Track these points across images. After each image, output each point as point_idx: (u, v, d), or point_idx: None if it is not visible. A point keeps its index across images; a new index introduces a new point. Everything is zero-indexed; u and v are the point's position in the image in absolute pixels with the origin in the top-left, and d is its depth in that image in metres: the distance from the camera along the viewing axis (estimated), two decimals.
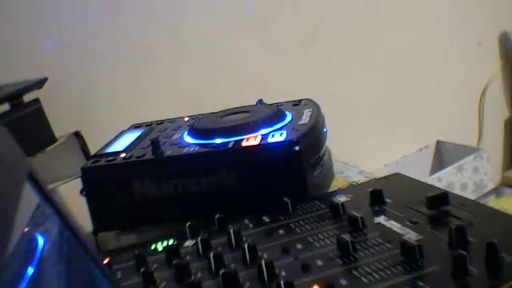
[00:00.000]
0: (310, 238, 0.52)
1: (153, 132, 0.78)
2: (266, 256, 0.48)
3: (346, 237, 0.47)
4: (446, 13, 1.89)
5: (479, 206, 0.55)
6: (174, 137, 0.73)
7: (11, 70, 1.23)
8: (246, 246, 0.50)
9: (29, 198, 0.31)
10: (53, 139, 1.07)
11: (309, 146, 0.65)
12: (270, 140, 0.64)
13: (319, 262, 0.47)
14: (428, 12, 1.84)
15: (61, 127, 1.11)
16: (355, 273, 0.44)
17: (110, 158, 0.68)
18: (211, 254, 0.50)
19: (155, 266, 0.54)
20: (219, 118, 0.74)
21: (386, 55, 1.76)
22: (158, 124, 0.83)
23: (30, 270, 0.27)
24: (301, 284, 0.43)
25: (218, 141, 0.67)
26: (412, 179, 0.63)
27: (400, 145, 1.99)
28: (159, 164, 0.66)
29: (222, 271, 0.46)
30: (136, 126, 0.84)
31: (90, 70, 1.41)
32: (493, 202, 2.06)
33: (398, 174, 0.66)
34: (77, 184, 0.69)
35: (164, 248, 0.57)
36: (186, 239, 0.58)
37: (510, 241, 0.42)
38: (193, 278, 0.48)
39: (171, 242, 0.58)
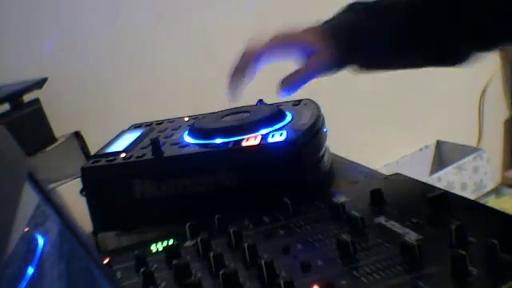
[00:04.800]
0: (309, 238, 0.52)
1: (153, 132, 0.78)
2: (265, 256, 0.48)
3: (346, 237, 0.47)
4: None
5: (479, 206, 0.55)
6: (174, 137, 0.73)
7: (11, 70, 1.23)
8: (245, 246, 0.50)
9: (29, 198, 0.31)
10: (53, 139, 1.07)
11: (309, 146, 0.65)
12: (270, 140, 0.64)
13: (319, 262, 0.47)
14: None
15: (61, 127, 1.11)
16: (355, 273, 0.44)
17: (110, 158, 0.68)
18: (211, 254, 0.50)
19: (155, 265, 0.53)
20: (219, 118, 0.74)
21: None
22: (157, 124, 0.82)
23: (30, 270, 0.27)
24: (301, 284, 0.43)
25: (218, 141, 0.67)
26: (412, 179, 0.63)
27: (400, 145, 1.99)
28: (159, 164, 0.66)
29: (222, 271, 0.46)
30: (136, 126, 0.84)
31: (90, 69, 1.41)
32: (493, 202, 2.06)
33: (398, 174, 0.66)
34: (77, 184, 0.69)
35: (164, 248, 0.57)
36: (186, 239, 0.58)
37: (510, 241, 0.42)
38: (193, 277, 0.48)
39: (171, 242, 0.58)
